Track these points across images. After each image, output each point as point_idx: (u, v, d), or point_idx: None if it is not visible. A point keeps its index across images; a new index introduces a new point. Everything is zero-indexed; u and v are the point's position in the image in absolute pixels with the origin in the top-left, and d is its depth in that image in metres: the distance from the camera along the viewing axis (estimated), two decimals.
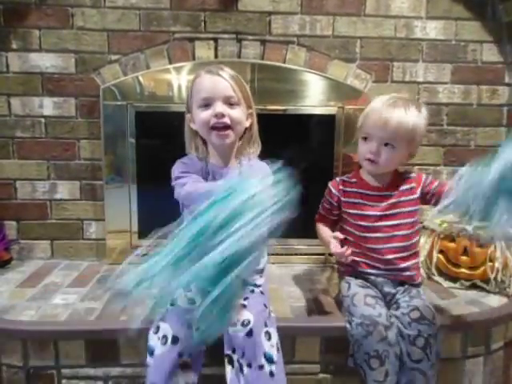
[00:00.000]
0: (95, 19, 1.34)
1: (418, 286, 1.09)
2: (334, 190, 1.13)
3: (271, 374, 0.88)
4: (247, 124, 1.05)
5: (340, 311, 1.08)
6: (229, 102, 0.99)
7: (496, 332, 1.11)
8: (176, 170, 1.04)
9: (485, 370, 1.11)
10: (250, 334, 0.89)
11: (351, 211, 1.11)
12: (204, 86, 1.00)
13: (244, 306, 0.94)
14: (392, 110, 1.02)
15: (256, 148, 1.09)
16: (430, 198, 1.08)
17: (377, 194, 1.09)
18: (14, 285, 1.24)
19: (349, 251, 1.01)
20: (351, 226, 1.11)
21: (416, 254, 1.10)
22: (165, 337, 0.88)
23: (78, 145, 1.41)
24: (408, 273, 1.07)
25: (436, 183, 1.08)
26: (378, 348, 0.92)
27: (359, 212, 1.09)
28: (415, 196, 1.08)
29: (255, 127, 1.09)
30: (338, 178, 1.17)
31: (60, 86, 1.37)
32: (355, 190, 1.11)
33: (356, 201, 1.10)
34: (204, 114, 0.99)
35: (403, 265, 1.07)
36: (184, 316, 0.91)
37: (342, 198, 1.12)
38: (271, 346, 0.90)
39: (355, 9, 1.38)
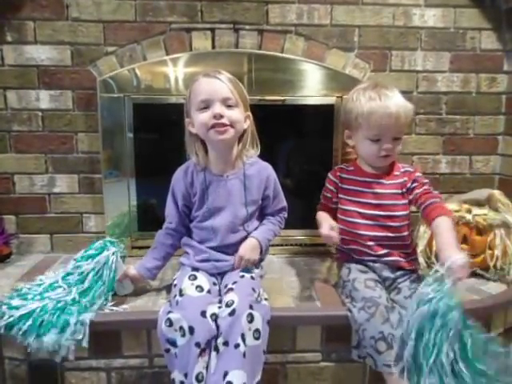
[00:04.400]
0: (90, 10, 1.32)
1: (416, 271, 1.10)
2: (332, 177, 1.16)
3: (244, 355, 0.87)
4: (245, 126, 1.07)
5: (340, 300, 1.08)
6: (227, 104, 1.01)
7: (496, 319, 1.12)
8: (171, 188, 1.12)
9: None
10: (232, 313, 0.90)
11: (347, 197, 1.12)
12: (202, 88, 1.02)
13: (232, 290, 0.96)
14: (386, 103, 1.03)
15: (255, 149, 1.11)
16: (411, 199, 1.08)
17: (371, 181, 1.10)
18: (14, 279, 1.23)
19: (336, 238, 1.05)
20: (345, 213, 1.12)
21: (408, 246, 1.10)
22: (182, 328, 0.88)
23: (76, 138, 1.39)
24: (398, 263, 1.08)
25: (420, 189, 1.06)
26: (383, 330, 0.92)
27: (354, 199, 1.11)
28: (404, 190, 1.09)
29: (254, 129, 1.11)
30: (336, 167, 1.20)
31: (56, 78, 1.35)
32: (352, 177, 1.13)
33: (352, 188, 1.12)
34: (203, 116, 1.01)
35: (392, 258, 1.08)
36: (195, 304, 0.91)
37: (340, 185, 1.14)
38: (249, 329, 0.89)
39: None
